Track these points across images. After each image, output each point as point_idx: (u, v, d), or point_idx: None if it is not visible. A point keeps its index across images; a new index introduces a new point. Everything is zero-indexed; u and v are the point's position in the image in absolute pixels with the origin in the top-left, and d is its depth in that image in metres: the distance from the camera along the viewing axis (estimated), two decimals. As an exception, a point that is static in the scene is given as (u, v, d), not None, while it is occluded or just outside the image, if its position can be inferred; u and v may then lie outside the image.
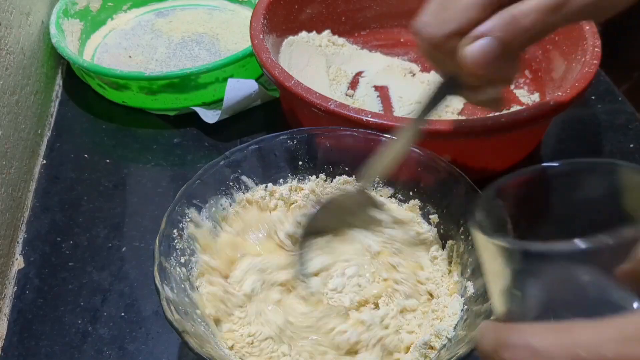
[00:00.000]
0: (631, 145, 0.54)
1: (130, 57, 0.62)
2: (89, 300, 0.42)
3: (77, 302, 0.42)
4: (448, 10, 0.29)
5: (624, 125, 0.56)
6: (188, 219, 0.37)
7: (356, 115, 0.42)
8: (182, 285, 0.34)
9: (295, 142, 0.41)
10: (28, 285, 0.43)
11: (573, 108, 0.47)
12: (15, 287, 0.43)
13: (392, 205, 0.41)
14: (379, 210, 0.39)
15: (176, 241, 0.35)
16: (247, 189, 0.41)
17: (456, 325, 0.34)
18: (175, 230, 0.35)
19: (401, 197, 0.41)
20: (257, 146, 0.40)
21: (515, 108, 0.54)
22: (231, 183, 0.40)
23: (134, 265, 0.45)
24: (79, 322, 0.41)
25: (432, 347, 0.33)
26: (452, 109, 0.54)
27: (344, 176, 0.42)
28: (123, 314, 0.41)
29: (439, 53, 0.31)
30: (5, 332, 0.41)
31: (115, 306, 0.42)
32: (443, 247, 0.39)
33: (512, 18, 0.28)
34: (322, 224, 0.38)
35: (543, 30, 0.28)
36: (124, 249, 0.46)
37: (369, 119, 0.41)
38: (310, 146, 0.41)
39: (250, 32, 0.51)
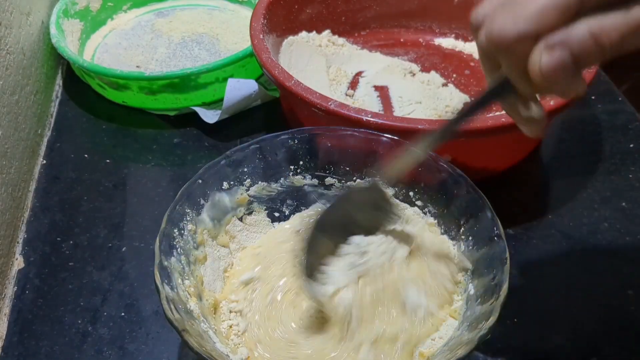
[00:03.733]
0: (631, 145, 0.54)
1: (137, 67, 0.61)
2: (89, 300, 0.42)
3: (77, 302, 0.42)
4: (521, 6, 0.26)
5: (624, 125, 0.56)
6: (189, 219, 0.37)
7: (356, 115, 0.42)
8: (181, 282, 0.34)
9: (296, 141, 0.41)
10: (28, 285, 0.43)
11: (573, 108, 0.47)
12: (15, 287, 0.43)
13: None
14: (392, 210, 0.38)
15: (177, 240, 0.35)
16: (247, 188, 0.41)
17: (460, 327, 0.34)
18: (175, 230, 0.35)
19: (402, 198, 0.41)
20: (257, 146, 0.40)
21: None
22: (232, 182, 0.40)
23: (134, 265, 0.45)
24: (79, 322, 0.41)
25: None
26: (452, 108, 0.54)
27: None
28: (123, 314, 0.41)
29: (503, 54, 0.27)
30: (5, 332, 0.41)
31: (115, 306, 0.42)
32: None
33: (598, 33, 0.25)
34: (332, 222, 0.37)
35: (623, 49, 0.25)
36: (124, 249, 0.46)
37: (369, 118, 0.41)
38: (311, 146, 0.41)
39: (250, 32, 0.51)
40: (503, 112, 0.44)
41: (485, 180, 0.38)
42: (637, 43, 0.25)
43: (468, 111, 0.32)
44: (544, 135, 0.33)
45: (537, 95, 0.31)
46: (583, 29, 0.25)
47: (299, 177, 0.42)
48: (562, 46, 0.25)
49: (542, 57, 0.25)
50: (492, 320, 0.30)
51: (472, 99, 0.33)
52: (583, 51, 0.25)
